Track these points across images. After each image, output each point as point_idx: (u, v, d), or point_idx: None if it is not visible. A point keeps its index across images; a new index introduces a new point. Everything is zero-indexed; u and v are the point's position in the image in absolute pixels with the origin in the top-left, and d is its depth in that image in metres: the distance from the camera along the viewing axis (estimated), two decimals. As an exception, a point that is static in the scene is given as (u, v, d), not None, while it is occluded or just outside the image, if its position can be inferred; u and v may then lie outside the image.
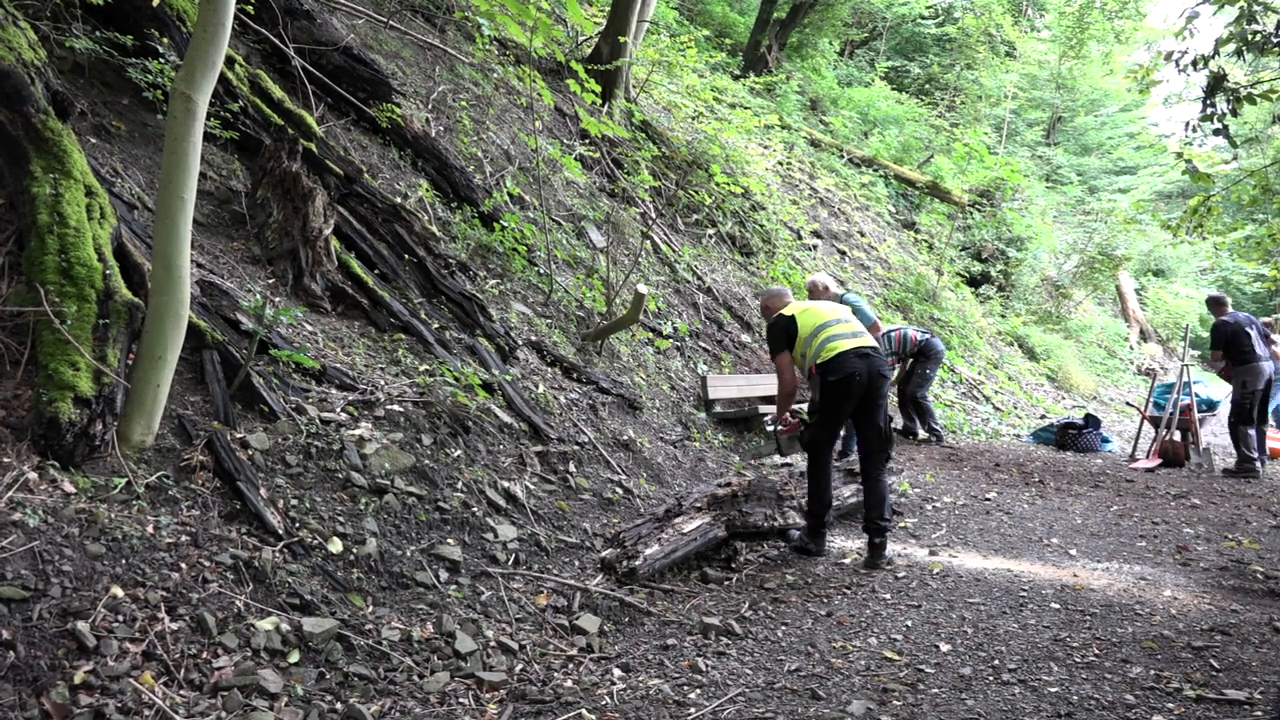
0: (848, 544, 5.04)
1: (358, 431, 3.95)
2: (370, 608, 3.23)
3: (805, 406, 4.96)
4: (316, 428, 3.83)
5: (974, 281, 17.39)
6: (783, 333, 4.75)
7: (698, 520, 4.47)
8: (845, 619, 3.80)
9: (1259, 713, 2.81)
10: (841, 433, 5.17)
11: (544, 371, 5.88)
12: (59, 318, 3.13)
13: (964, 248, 17.47)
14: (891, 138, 19.10)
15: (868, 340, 4.64)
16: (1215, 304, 8.34)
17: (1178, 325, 21.97)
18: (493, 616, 3.49)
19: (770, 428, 5.02)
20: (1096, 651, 3.37)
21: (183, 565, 2.88)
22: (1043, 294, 19.03)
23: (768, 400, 7.81)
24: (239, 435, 3.53)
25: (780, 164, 14.41)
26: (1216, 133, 7.03)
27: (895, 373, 8.75)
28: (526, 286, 6.69)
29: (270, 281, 4.67)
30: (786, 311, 4.82)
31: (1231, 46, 6.61)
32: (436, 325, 5.30)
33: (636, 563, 4.06)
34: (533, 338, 6.11)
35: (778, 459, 5.15)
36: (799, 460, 5.10)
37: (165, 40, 5.05)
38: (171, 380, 3.32)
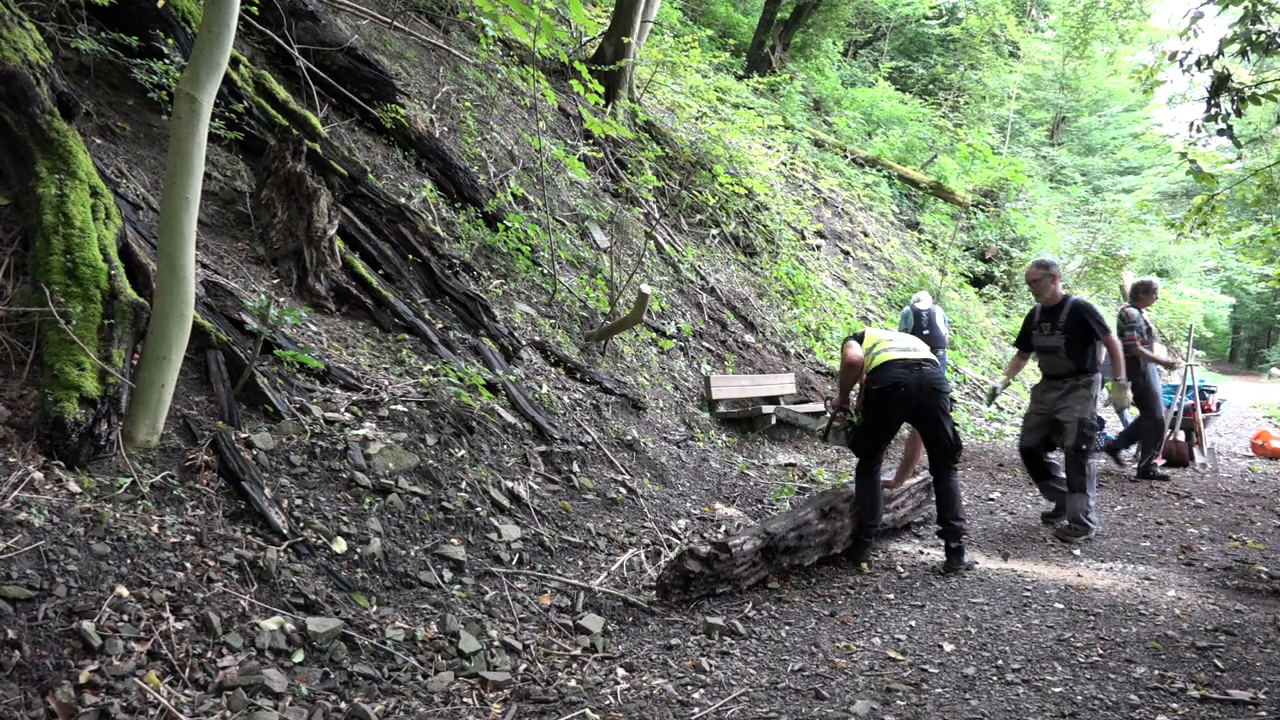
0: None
1: (362, 431, 3.95)
2: (374, 607, 3.23)
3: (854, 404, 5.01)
4: (320, 428, 3.83)
5: (978, 281, 17.39)
6: (853, 337, 4.93)
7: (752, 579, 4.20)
8: (849, 619, 3.79)
9: (1263, 713, 2.80)
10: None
11: (548, 371, 5.88)
12: (64, 318, 3.14)
13: (968, 248, 17.47)
14: (895, 138, 19.09)
15: (921, 354, 4.62)
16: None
17: (1182, 325, 21.91)
18: (496, 616, 3.50)
19: (829, 412, 5.10)
20: (1100, 651, 3.37)
21: (187, 565, 2.89)
22: (1047, 294, 18.96)
23: (771, 400, 7.81)
24: (243, 435, 3.54)
25: (784, 164, 14.40)
26: (1221, 133, 7.00)
27: None
28: (530, 287, 6.70)
29: (275, 282, 4.68)
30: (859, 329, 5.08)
31: (1236, 46, 6.59)
32: (440, 325, 5.30)
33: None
34: (536, 338, 6.11)
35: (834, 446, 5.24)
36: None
37: (170, 41, 5.07)
38: (176, 380, 3.33)
